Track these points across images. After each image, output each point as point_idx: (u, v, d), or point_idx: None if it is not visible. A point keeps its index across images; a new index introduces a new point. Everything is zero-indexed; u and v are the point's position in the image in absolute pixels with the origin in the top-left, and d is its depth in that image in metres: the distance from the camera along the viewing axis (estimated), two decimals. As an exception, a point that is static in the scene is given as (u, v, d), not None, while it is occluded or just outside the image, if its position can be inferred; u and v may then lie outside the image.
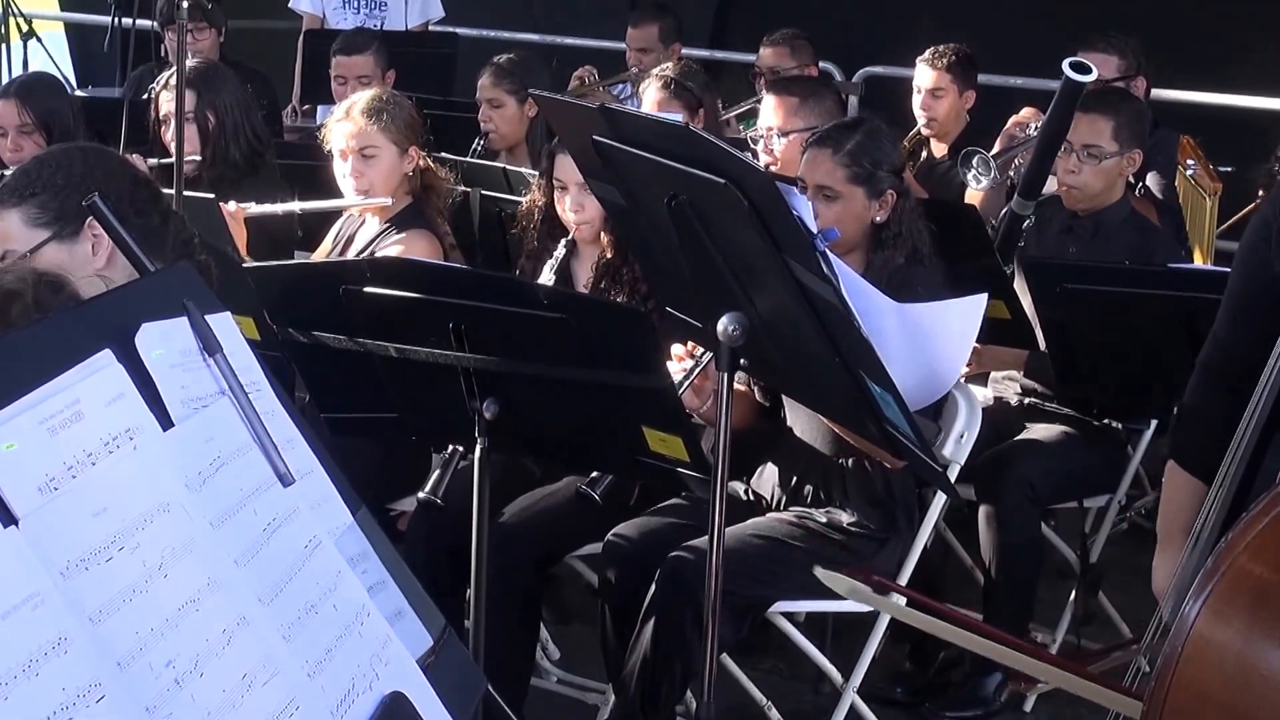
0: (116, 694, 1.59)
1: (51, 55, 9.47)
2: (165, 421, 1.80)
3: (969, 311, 3.97)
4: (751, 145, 6.04)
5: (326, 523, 2.02)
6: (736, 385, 4.56)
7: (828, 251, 3.49)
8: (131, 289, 2.02)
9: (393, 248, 5.32)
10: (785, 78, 7.20)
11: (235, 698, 1.73)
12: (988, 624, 5.15)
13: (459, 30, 9.42)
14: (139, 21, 7.90)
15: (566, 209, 5.05)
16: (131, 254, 2.44)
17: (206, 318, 1.94)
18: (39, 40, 9.53)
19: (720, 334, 3.48)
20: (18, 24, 9.56)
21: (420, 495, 4.37)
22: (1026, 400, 5.60)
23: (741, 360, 3.60)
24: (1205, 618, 2.60)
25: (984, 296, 4.00)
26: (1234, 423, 3.13)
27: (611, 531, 4.60)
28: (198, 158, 5.82)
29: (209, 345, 1.92)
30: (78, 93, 7.84)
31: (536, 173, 5.45)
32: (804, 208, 3.41)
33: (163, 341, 1.86)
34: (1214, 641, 2.60)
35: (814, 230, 3.41)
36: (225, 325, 1.99)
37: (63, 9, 12.29)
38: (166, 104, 5.93)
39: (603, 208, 4.64)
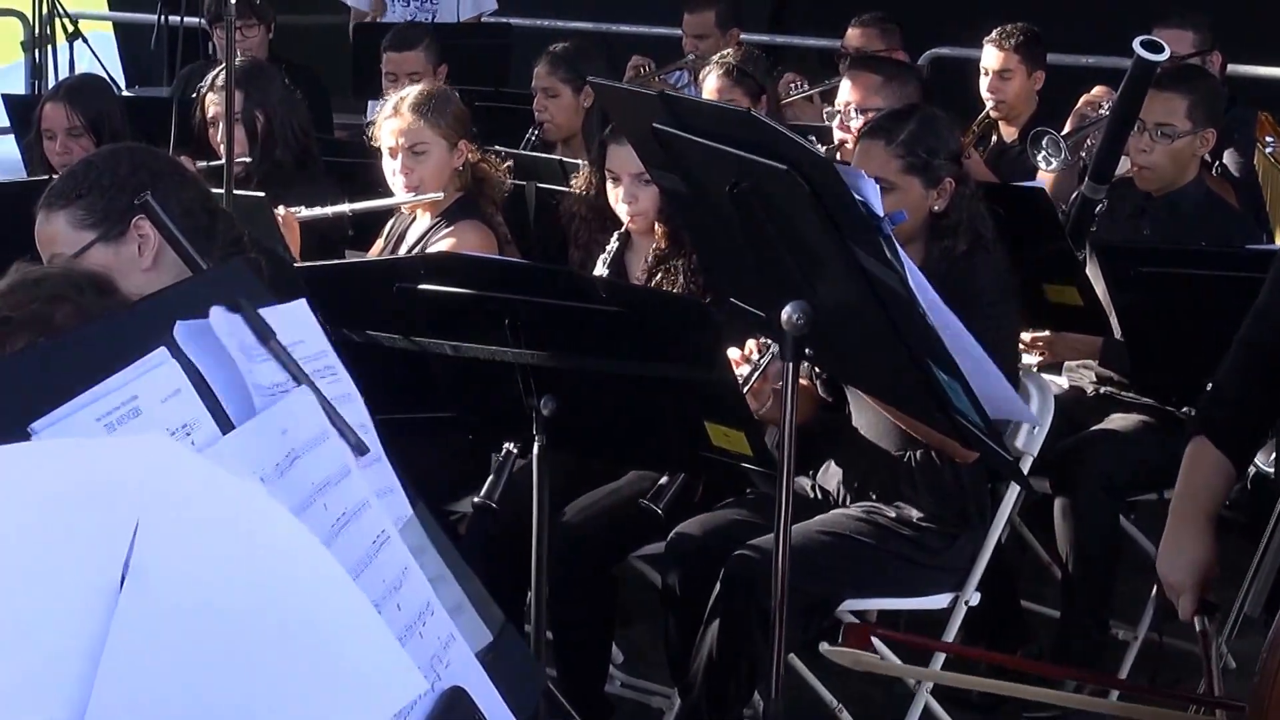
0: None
1: (98, 56, 9.44)
2: (223, 418, 1.80)
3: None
4: (828, 122, 5.91)
5: (391, 513, 2.00)
6: (800, 380, 4.51)
7: (893, 238, 3.40)
8: (189, 284, 2.05)
9: (443, 241, 5.27)
10: (868, 55, 7.09)
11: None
12: (1066, 623, 5.10)
13: (512, 20, 9.34)
14: (187, 20, 7.84)
15: (619, 200, 4.96)
16: (184, 251, 2.40)
17: (277, 306, 1.95)
18: (85, 41, 9.50)
19: (784, 323, 3.41)
20: (63, 25, 9.54)
21: (475, 500, 4.28)
22: (1102, 389, 5.47)
23: (806, 350, 3.52)
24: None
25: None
26: (1272, 405, 3.03)
27: (675, 530, 4.51)
28: (247, 159, 5.75)
29: (261, 334, 1.91)
30: (125, 93, 7.78)
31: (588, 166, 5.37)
32: (870, 191, 3.35)
33: (209, 334, 1.84)
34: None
35: (880, 214, 3.33)
36: (298, 312, 2.00)
37: (111, 9, 12.28)
38: (214, 105, 5.88)
39: (663, 197, 4.59)
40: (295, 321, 1.95)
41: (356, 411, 1.99)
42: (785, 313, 3.40)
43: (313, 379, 1.89)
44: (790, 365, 3.46)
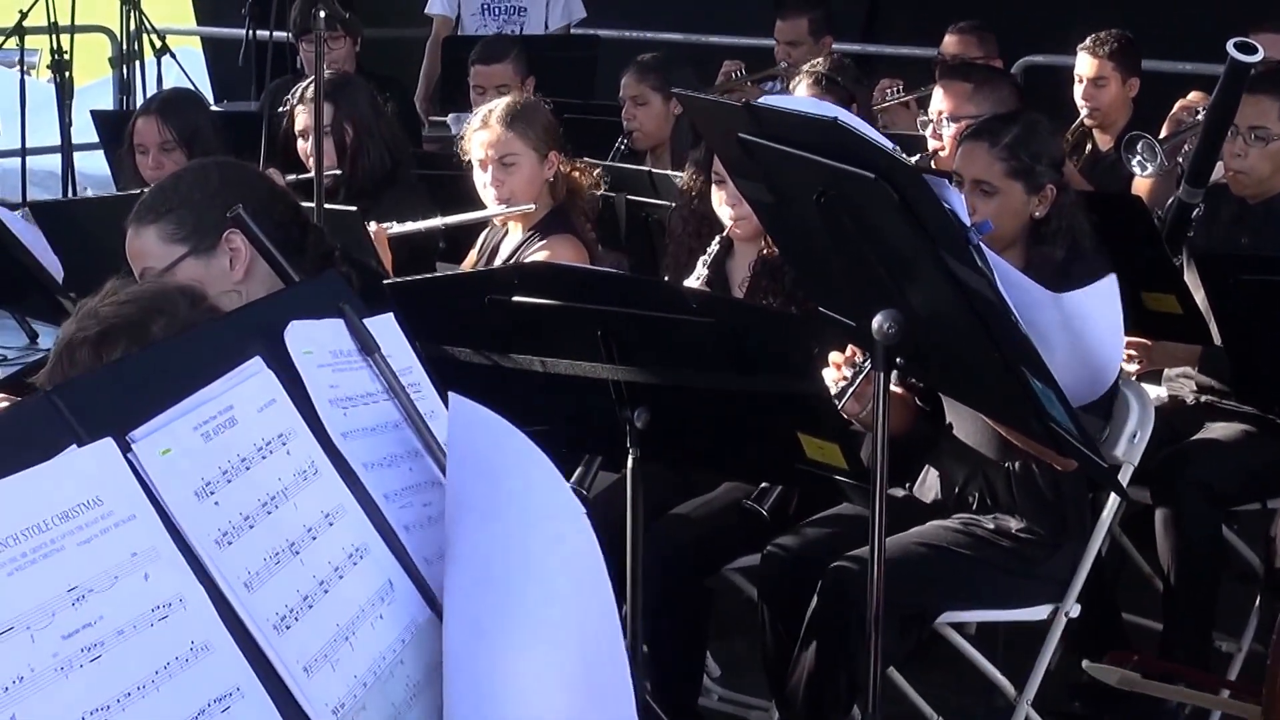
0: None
1: (186, 71, 9.49)
2: (318, 426, 1.84)
3: (1106, 294, 3.90)
4: (921, 130, 5.85)
5: None
6: (895, 388, 4.48)
7: (982, 245, 3.39)
8: (282, 296, 2.14)
9: (538, 254, 5.25)
10: (960, 63, 7.03)
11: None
12: (1168, 636, 5.02)
13: (599, 32, 9.31)
14: (274, 34, 7.85)
15: (723, 203, 4.91)
16: (277, 264, 2.39)
17: (366, 320, 1.99)
18: (173, 56, 9.56)
19: (875, 332, 3.40)
20: (151, 41, 9.60)
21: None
22: (1203, 398, 5.39)
23: (898, 359, 3.51)
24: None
25: (1112, 277, 3.94)
26: None
27: (771, 543, 4.48)
28: (337, 171, 5.75)
29: (366, 345, 1.95)
30: (214, 108, 7.80)
31: (683, 175, 5.33)
32: (957, 201, 3.35)
33: (311, 341, 1.89)
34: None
35: (967, 223, 3.33)
36: (386, 326, 2.04)
37: (199, 24, 12.35)
38: (303, 118, 5.88)
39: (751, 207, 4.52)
40: (386, 334, 1.95)
41: (441, 428, 2.00)
42: (876, 322, 3.39)
43: (408, 393, 1.88)
44: (881, 375, 3.44)
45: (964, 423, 4.46)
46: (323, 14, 5.30)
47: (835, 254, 3.57)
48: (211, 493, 1.63)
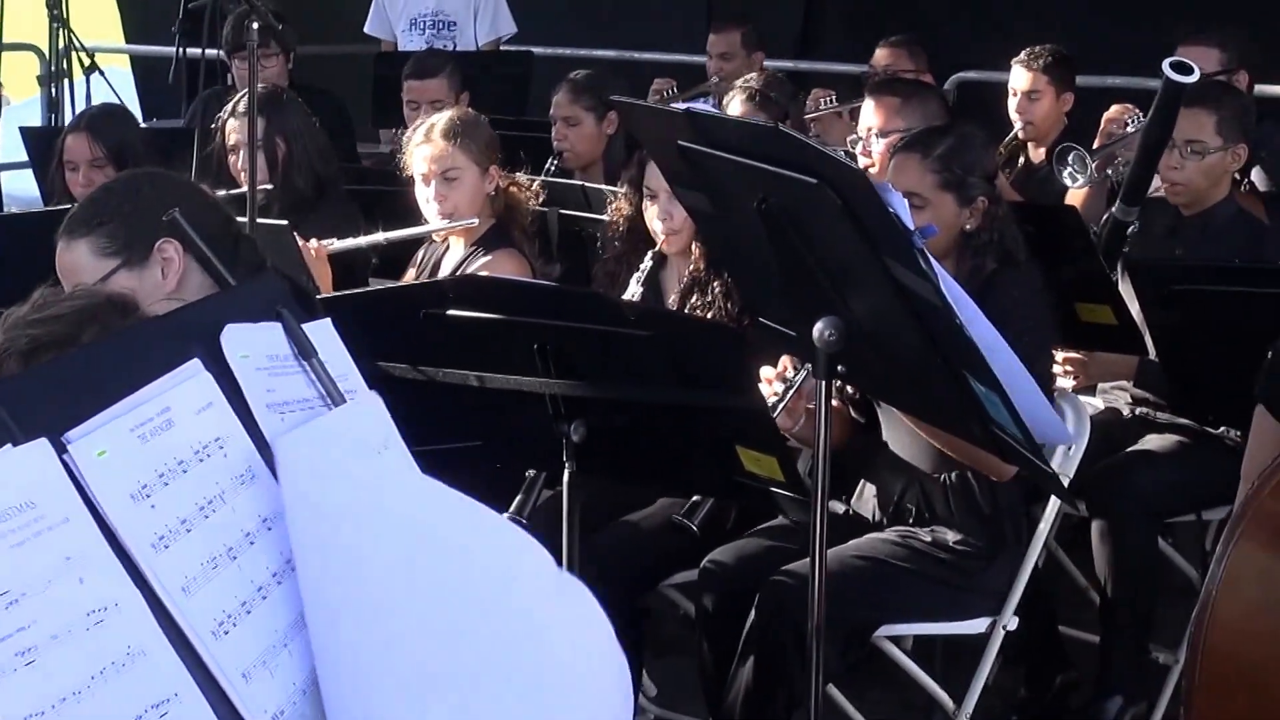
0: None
1: (115, 89, 9.40)
2: (255, 431, 1.82)
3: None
4: (849, 148, 5.85)
5: None
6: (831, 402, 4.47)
7: (925, 249, 3.35)
8: (221, 297, 2.16)
9: (480, 269, 5.21)
10: (886, 79, 7.03)
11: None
12: (1105, 648, 5.03)
13: (533, 49, 9.29)
14: (206, 52, 7.79)
15: (655, 218, 4.89)
16: (213, 268, 2.35)
17: (304, 325, 1.96)
18: (101, 74, 9.47)
19: (816, 339, 3.39)
20: (80, 58, 9.51)
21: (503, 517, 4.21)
22: (1139, 410, 5.39)
23: (839, 367, 3.48)
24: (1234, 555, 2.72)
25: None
26: None
27: (707, 557, 4.47)
28: (269, 186, 5.70)
29: (303, 350, 1.92)
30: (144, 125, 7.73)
31: (617, 189, 5.31)
32: (900, 205, 3.30)
33: (248, 344, 1.87)
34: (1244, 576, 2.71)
35: (911, 227, 3.29)
36: (324, 332, 2.02)
37: (127, 41, 12.27)
38: (234, 132, 5.83)
39: (690, 216, 4.50)
40: (323, 340, 1.92)
41: None
42: (817, 329, 3.38)
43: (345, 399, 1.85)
44: (823, 383, 3.42)
45: (899, 436, 4.45)
46: (256, 26, 5.25)
47: (776, 262, 3.54)
48: (148, 495, 1.61)
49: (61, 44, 9.85)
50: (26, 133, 7.44)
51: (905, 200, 3.38)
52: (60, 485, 1.51)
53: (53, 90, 10.12)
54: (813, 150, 3.25)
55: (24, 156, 7.54)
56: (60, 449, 1.53)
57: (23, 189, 9.66)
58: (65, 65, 9.83)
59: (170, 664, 1.53)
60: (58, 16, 9.52)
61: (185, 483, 1.67)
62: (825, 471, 3.44)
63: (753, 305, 4.20)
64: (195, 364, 1.75)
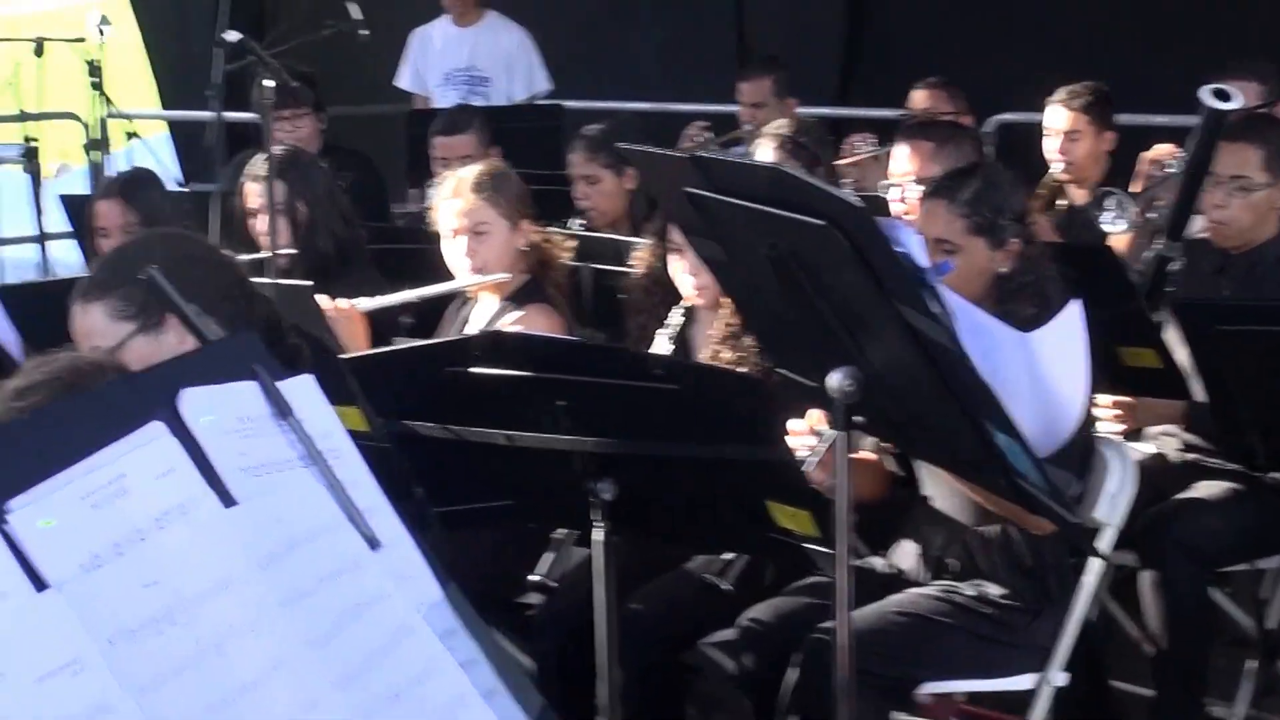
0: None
1: (156, 154, 9.46)
2: (225, 495, 1.76)
3: (1069, 324, 3.84)
4: (885, 195, 5.75)
5: (414, 596, 1.97)
6: (867, 454, 4.46)
7: (940, 287, 3.31)
8: (189, 358, 2.04)
9: (513, 325, 5.15)
10: (919, 122, 6.93)
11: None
12: (1159, 703, 4.90)
13: (564, 103, 9.25)
14: (241, 115, 7.79)
15: (684, 273, 4.81)
16: (191, 326, 2.30)
17: (280, 383, 1.89)
18: (142, 141, 9.52)
19: (833, 390, 3.32)
20: (120, 125, 9.57)
21: (532, 578, 4.13)
22: (1189, 456, 5.28)
23: (858, 418, 3.41)
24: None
25: (1075, 304, 3.87)
26: None
27: (745, 615, 4.41)
28: (292, 250, 5.64)
29: (280, 408, 1.86)
30: (182, 189, 7.73)
31: (642, 241, 5.24)
32: (912, 242, 3.23)
33: (212, 407, 1.80)
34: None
35: (924, 265, 3.24)
36: (304, 389, 1.94)
37: (164, 107, 12.33)
38: (255, 196, 5.77)
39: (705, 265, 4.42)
40: (304, 397, 1.84)
41: (367, 494, 1.91)
42: (833, 380, 3.31)
43: (326, 459, 1.77)
44: (842, 436, 3.35)
45: (939, 487, 4.37)
46: (270, 83, 5.20)
47: (791, 311, 3.46)
48: (99, 565, 1.57)
49: (102, 113, 9.94)
50: (66, 201, 7.44)
51: (918, 236, 3.30)
52: (-4, 559, 1.45)
53: (96, 158, 10.22)
54: (818, 190, 3.16)
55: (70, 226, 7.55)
56: (0, 519, 1.48)
57: (71, 258, 9.71)
58: (107, 133, 9.92)
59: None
60: (97, 85, 9.58)
61: (143, 550, 1.62)
62: (847, 524, 3.37)
63: (773, 356, 4.14)
64: (157, 426, 1.69)
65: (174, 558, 1.64)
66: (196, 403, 1.74)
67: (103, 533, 1.59)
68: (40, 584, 1.51)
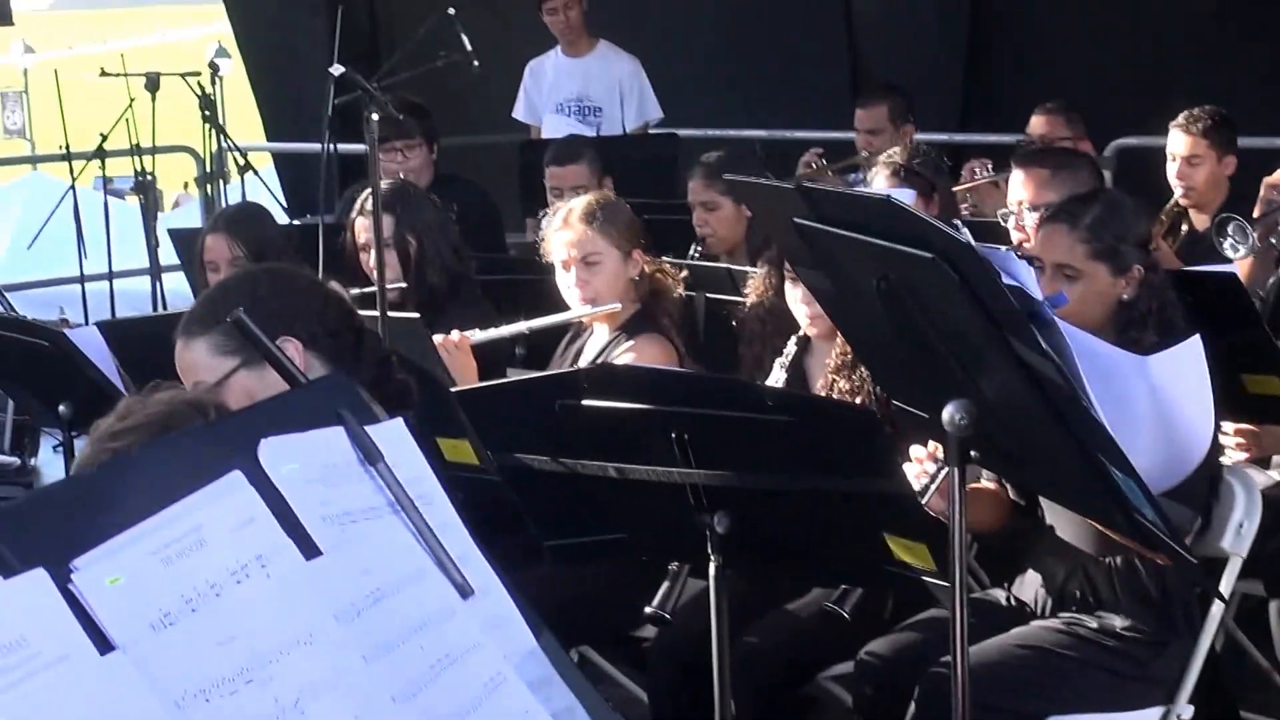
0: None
1: (269, 187, 9.52)
2: (308, 546, 1.70)
3: (1191, 354, 3.71)
4: (1002, 223, 5.67)
5: (507, 645, 1.91)
6: (988, 484, 4.39)
7: (1056, 319, 3.24)
8: (273, 403, 1.93)
9: (624, 356, 5.10)
10: (1035, 149, 6.85)
11: None
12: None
13: (679, 131, 9.20)
14: (353, 146, 7.79)
15: (799, 301, 4.77)
16: (282, 368, 2.27)
17: (370, 427, 1.83)
18: (255, 173, 9.57)
19: (946, 424, 3.23)
20: (234, 158, 9.62)
21: (647, 610, 4.08)
22: (1314, 484, 5.15)
23: (972, 453, 3.34)
24: None
25: (1196, 337, 3.74)
26: None
27: (864, 649, 4.34)
28: (403, 284, 5.62)
29: (368, 454, 1.80)
30: (292, 222, 7.75)
31: (758, 269, 5.19)
32: (1024, 273, 3.19)
33: (296, 454, 1.74)
34: None
35: (1038, 296, 3.19)
36: (394, 434, 1.88)
37: (267, 139, 12.40)
38: (364, 230, 5.76)
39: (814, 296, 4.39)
40: (394, 442, 1.79)
41: (458, 541, 1.85)
42: (946, 413, 3.22)
43: (417, 505, 1.72)
44: (956, 470, 3.28)
45: (1062, 518, 4.28)
46: (375, 116, 5.18)
47: (902, 343, 3.41)
48: (170, 624, 1.51)
49: (216, 146, 10.00)
50: (174, 235, 7.48)
51: (1030, 268, 3.23)
52: (57, 618, 1.40)
53: (209, 191, 10.29)
54: (925, 223, 3.11)
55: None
56: (64, 578, 1.43)
57: (187, 290, 9.78)
58: (221, 166, 9.98)
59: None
60: (211, 118, 9.64)
61: (218, 605, 1.57)
62: (962, 556, 3.30)
63: (886, 387, 4.11)
64: (236, 477, 1.64)
65: (251, 613, 1.60)
66: (278, 451, 1.71)
67: (175, 589, 1.55)
68: (106, 645, 1.47)
